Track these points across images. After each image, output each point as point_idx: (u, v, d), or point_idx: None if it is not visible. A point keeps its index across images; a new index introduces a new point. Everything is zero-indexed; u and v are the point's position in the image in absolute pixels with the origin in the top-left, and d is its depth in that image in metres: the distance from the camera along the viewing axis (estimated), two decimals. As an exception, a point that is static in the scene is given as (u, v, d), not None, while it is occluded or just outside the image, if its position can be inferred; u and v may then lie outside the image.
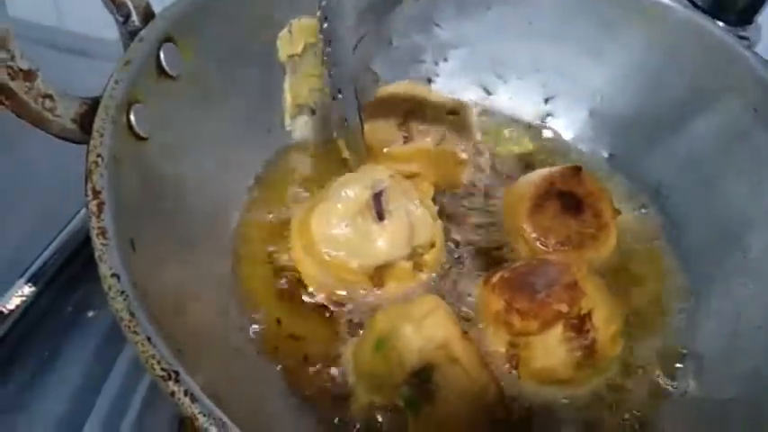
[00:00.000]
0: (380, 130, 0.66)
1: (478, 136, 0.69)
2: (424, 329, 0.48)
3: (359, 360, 0.50)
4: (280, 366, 0.51)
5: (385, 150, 0.65)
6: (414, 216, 0.56)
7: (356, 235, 0.54)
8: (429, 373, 0.47)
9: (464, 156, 0.66)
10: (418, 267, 0.56)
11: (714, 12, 0.74)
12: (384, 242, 0.54)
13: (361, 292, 0.55)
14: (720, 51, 0.62)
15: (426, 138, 0.65)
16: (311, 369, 0.51)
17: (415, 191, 0.59)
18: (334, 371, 0.51)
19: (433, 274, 0.57)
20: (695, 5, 0.73)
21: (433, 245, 0.57)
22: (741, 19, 0.81)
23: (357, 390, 0.50)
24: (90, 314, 0.62)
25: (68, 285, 0.62)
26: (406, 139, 0.65)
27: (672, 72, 0.65)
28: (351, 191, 0.56)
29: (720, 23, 0.77)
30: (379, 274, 0.55)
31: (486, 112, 0.74)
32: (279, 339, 0.52)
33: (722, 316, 0.56)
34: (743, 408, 0.49)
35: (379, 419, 0.48)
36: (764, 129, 0.58)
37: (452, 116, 0.68)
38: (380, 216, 0.55)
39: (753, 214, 0.57)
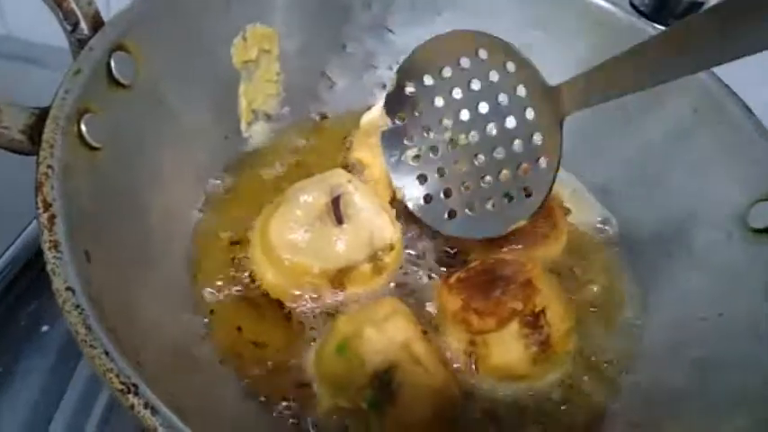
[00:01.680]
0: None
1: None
2: (386, 331, 0.49)
3: (321, 363, 0.51)
4: (242, 373, 0.51)
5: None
6: (373, 219, 0.57)
7: (316, 239, 0.55)
8: (391, 373, 0.48)
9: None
10: (378, 270, 0.57)
11: (655, 16, 0.77)
12: (344, 245, 0.55)
13: (325, 299, 0.55)
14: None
15: None
16: (274, 375, 0.51)
17: (373, 195, 0.60)
18: (297, 376, 0.51)
19: (393, 276, 0.58)
20: (637, 10, 0.76)
21: (392, 248, 0.57)
22: (681, 23, 0.85)
23: (321, 393, 0.50)
24: (44, 328, 0.61)
25: (20, 300, 0.61)
26: None
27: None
28: (309, 196, 0.56)
29: (662, 28, 0.80)
30: (339, 277, 0.55)
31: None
32: (240, 347, 0.52)
33: (669, 308, 0.58)
34: (692, 396, 0.51)
35: (345, 422, 0.49)
36: (705, 127, 0.61)
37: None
38: (339, 220, 0.55)
39: (696, 210, 0.60)
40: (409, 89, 0.60)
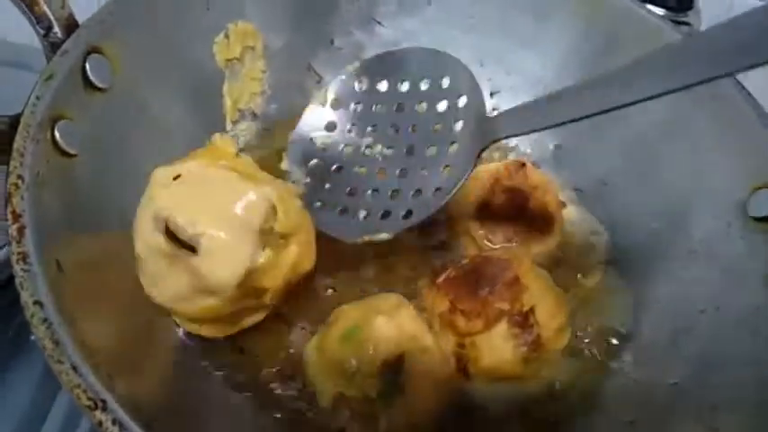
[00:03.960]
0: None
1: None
2: (396, 319, 0.49)
3: (325, 353, 0.49)
4: (226, 373, 0.50)
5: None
6: (236, 201, 0.46)
7: (188, 280, 0.45)
8: (401, 362, 0.47)
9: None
10: (286, 243, 0.48)
11: (653, -5, 0.75)
12: (221, 264, 0.44)
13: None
14: (656, 38, 0.63)
15: None
16: (263, 376, 0.51)
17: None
18: (288, 371, 0.51)
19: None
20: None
21: (274, 209, 0.47)
22: (682, 4, 0.82)
23: (322, 385, 0.49)
24: (33, 338, 0.60)
25: (7, 310, 0.60)
26: None
27: (611, 60, 0.65)
28: (142, 239, 0.46)
29: (662, 10, 0.78)
30: (253, 285, 0.46)
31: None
32: (224, 348, 0.51)
33: (666, 301, 0.56)
34: (689, 390, 0.50)
35: (347, 413, 0.48)
36: (702, 114, 0.58)
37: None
38: (192, 248, 0.44)
39: (694, 199, 0.58)
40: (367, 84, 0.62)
